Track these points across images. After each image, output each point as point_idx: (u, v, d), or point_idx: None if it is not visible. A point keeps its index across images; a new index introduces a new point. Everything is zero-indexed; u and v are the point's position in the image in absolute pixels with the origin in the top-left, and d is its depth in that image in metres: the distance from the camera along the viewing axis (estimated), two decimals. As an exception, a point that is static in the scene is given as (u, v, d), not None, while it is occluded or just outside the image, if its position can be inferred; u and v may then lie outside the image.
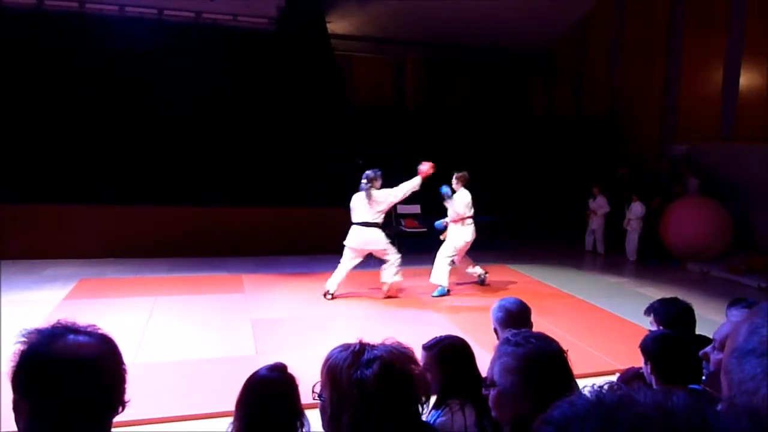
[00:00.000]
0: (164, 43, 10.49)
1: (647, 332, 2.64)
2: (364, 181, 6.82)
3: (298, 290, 7.28)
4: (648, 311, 2.97)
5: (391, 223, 10.38)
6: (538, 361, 1.43)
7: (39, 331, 1.16)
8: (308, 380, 1.63)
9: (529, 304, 2.88)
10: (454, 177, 7.63)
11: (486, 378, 1.50)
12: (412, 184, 6.95)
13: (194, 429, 3.77)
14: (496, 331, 2.77)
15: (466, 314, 6.47)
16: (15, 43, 9.96)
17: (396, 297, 7.06)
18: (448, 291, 7.40)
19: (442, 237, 7.64)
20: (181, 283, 7.57)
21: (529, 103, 16.09)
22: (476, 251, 10.42)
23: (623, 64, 13.21)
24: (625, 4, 13.17)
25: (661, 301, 3.01)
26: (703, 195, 10.28)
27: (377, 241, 6.89)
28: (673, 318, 2.85)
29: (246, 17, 11.67)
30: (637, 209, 10.15)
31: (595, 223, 10.73)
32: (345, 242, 6.89)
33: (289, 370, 2.17)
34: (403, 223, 10.36)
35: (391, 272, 7.02)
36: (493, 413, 1.50)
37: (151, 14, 11.31)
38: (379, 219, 6.89)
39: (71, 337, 1.15)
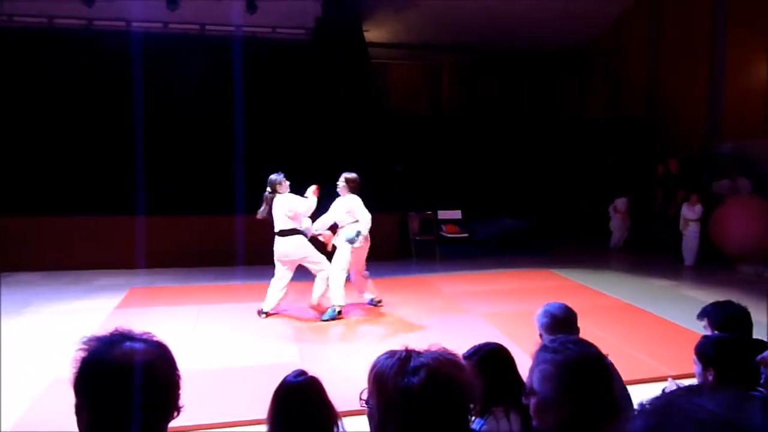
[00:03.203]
0: (207, 58, 10.78)
1: (700, 337, 2.56)
2: (267, 189, 6.32)
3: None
4: (701, 315, 2.88)
5: (432, 229, 10.39)
6: (577, 368, 1.40)
7: (98, 338, 1.21)
8: (353, 386, 1.64)
9: (574, 309, 2.83)
10: (342, 179, 6.48)
11: (526, 386, 1.49)
12: (312, 202, 6.33)
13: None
14: (541, 336, 2.73)
15: (510, 320, 6.39)
16: (44, 61, 10.35)
17: (324, 310, 6.40)
18: (340, 312, 6.41)
19: (329, 247, 6.58)
20: (226, 291, 7.72)
21: (565, 103, 15.84)
22: (517, 256, 10.37)
23: (663, 62, 12.86)
24: (664, 2, 12.84)
25: (715, 304, 2.91)
26: (755, 195, 9.90)
27: (296, 250, 6.28)
28: (728, 322, 2.75)
29: (284, 29, 11.88)
30: (698, 210, 9.74)
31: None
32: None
33: (328, 376, 2.20)
34: (443, 229, 10.33)
35: (319, 292, 6.39)
36: (534, 422, 1.48)
37: (193, 30, 11.63)
38: (296, 225, 6.28)
39: (128, 344, 1.19)
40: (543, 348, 1.46)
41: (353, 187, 6.49)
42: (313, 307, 6.47)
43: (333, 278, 6.37)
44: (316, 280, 6.45)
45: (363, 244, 6.47)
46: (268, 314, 6.43)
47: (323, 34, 11.83)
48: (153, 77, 10.36)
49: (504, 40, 13.99)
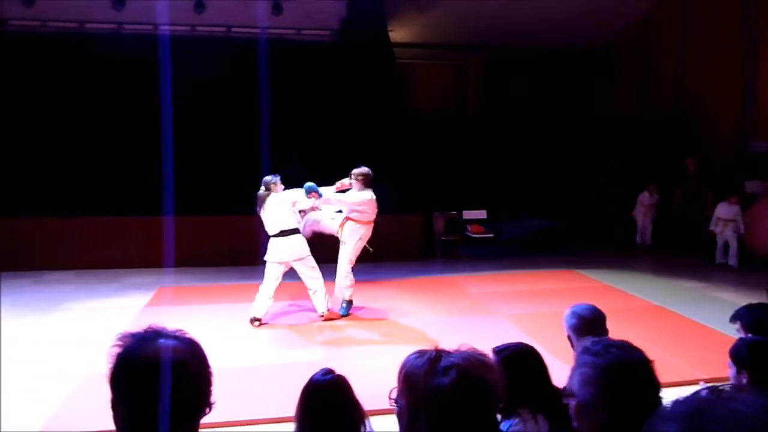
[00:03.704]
0: (232, 60, 10.90)
1: (734, 340, 2.51)
2: (262, 188, 6.22)
3: (364, 297, 7.33)
4: (734, 318, 2.82)
5: (457, 229, 10.34)
6: (619, 373, 1.35)
7: (133, 335, 1.23)
8: (379, 385, 1.65)
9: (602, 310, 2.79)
10: (352, 176, 6.44)
11: (566, 387, 1.46)
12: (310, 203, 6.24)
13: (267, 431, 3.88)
14: (569, 338, 2.70)
15: (535, 321, 6.33)
16: (75, 64, 10.56)
17: (337, 318, 6.38)
18: (351, 302, 6.63)
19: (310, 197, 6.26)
20: (252, 290, 7.78)
21: (593, 103, 15.64)
22: (542, 256, 10.27)
23: (694, 59, 12.59)
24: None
25: (748, 306, 2.85)
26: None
27: (300, 249, 6.15)
28: (761, 324, 2.69)
29: (309, 30, 11.95)
30: (734, 211, 9.42)
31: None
32: (267, 256, 6.18)
33: (353, 375, 2.21)
34: (469, 229, 10.28)
35: (322, 302, 6.25)
36: (574, 423, 1.45)
37: (219, 32, 11.78)
38: (297, 223, 6.19)
39: (161, 340, 1.22)
40: (585, 350, 1.42)
41: (366, 181, 6.41)
42: (326, 318, 6.28)
43: (339, 272, 6.48)
44: (315, 293, 6.24)
45: (359, 244, 6.50)
46: (261, 321, 6.18)
47: (348, 35, 11.87)
48: (180, 79, 10.52)
49: (529, 39, 13.87)
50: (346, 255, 6.51)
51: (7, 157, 9.77)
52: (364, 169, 6.46)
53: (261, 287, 6.18)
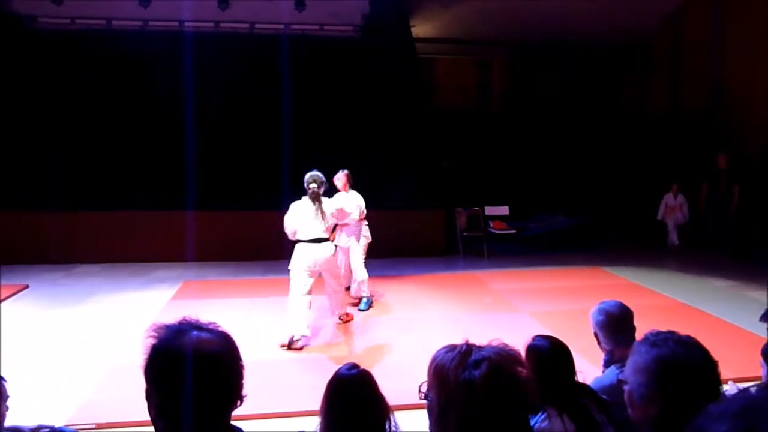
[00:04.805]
0: (255, 56, 10.98)
1: (764, 339, 2.47)
2: (313, 185, 5.56)
3: (387, 292, 7.35)
4: (764, 317, 2.77)
5: (479, 225, 10.29)
6: (670, 367, 1.30)
7: (167, 327, 1.25)
8: (402, 380, 1.66)
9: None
10: (344, 176, 6.57)
11: (623, 371, 1.44)
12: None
13: (289, 426, 3.91)
14: (596, 335, 2.68)
15: (560, 318, 6.28)
16: (102, 61, 10.72)
17: (351, 319, 6.22)
18: (372, 299, 6.76)
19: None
20: (275, 284, 7.85)
21: (621, 100, 15.38)
22: (566, 253, 10.16)
23: (726, 55, 12.27)
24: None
25: (779, 305, 2.80)
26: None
27: (334, 257, 5.77)
28: (794, 324, 2.64)
29: (332, 26, 11.97)
30: None
31: None
32: (293, 265, 5.56)
33: (377, 369, 2.21)
34: (491, 225, 10.24)
35: (340, 304, 6.03)
36: (628, 410, 1.43)
37: (243, 29, 11.86)
38: (328, 233, 5.76)
39: (195, 333, 1.24)
40: (644, 339, 1.39)
41: (351, 181, 6.69)
42: (342, 317, 6.09)
43: (357, 274, 6.62)
44: (333, 295, 5.93)
45: (364, 242, 6.71)
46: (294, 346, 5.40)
47: (371, 31, 11.86)
48: (204, 75, 10.63)
49: (555, 35, 13.69)
50: (358, 256, 6.65)
51: (37, 153, 9.99)
52: (347, 171, 6.72)
53: (290, 303, 5.50)
